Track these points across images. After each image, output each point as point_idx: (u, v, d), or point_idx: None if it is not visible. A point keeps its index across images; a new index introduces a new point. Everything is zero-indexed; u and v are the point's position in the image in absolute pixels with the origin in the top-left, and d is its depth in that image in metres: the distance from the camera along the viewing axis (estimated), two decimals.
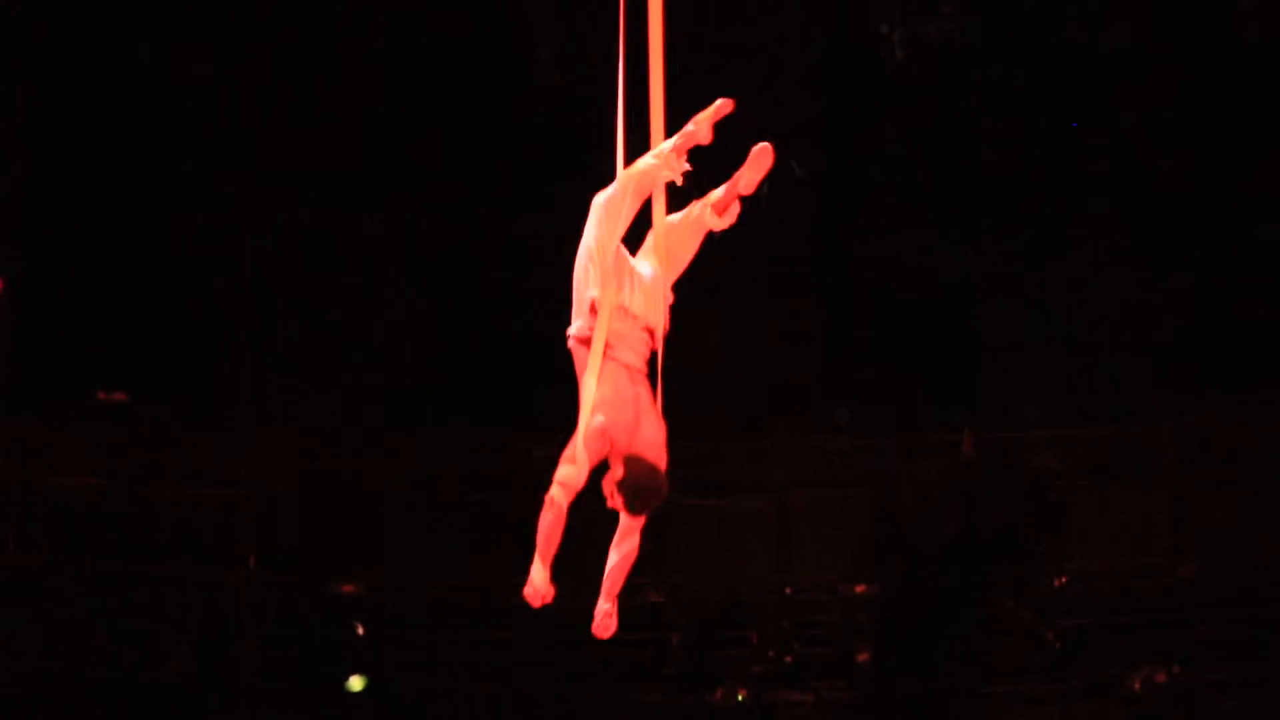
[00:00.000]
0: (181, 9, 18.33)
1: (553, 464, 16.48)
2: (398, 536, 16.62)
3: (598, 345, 8.12)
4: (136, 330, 17.80)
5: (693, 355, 8.44)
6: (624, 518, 8.20)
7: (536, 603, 8.10)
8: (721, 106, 8.40)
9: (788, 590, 16.55)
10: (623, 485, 8.03)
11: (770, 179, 8.54)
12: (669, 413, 8.33)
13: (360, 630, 16.20)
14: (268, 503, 16.49)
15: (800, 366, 18.06)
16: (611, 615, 8.28)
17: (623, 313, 8.18)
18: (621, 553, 8.25)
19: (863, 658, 16.19)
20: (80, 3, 18.08)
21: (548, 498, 8.02)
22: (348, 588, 16.30)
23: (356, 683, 16.06)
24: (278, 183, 17.81)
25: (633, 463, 8.02)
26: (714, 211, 8.46)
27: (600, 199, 8.28)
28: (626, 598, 15.98)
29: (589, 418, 8.05)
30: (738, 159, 8.57)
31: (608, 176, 8.41)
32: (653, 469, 8.05)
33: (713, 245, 17.87)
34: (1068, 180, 18.16)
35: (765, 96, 17.95)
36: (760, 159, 8.46)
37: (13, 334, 17.46)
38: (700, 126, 8.38)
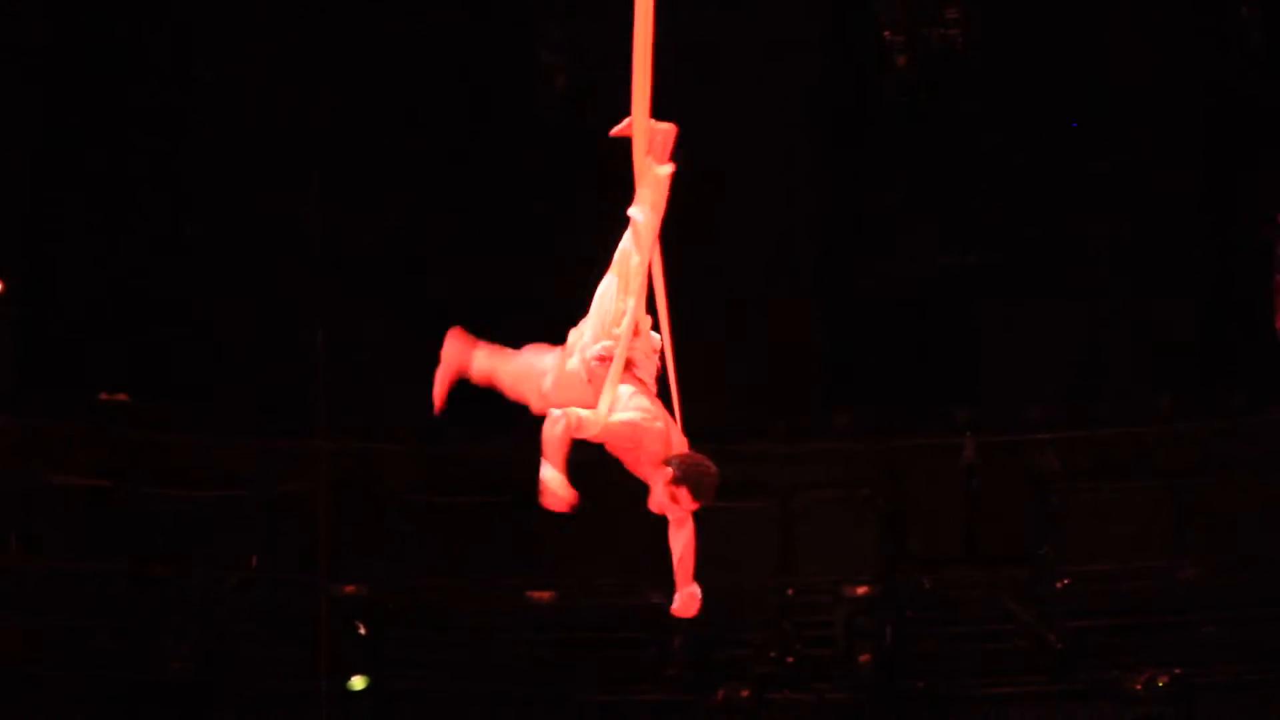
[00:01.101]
0: (183, 10, 18.35)
1: None
2: (400, 537, 16.62)
3: (624, 344, 8.15)
4: (139, 330, 17.81)
5: (695, 358, 8.43)
6: (671, 515, 8.20)
7: (560, 505, 7.87)
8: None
9: (790, 591, 16.55)
10: (685, 480, 8.02)
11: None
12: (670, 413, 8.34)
13: (362, 630, 16.20)
14: (270, 503, 16.50)
15: (802, 369, 18.05)
16: (696, 595, 8.18)
17: (641, 332, 8.29)
18: (682, 540, 8.23)
19: (864, 659, 16.19)
20: (83, 5, 18.08)
21: (559, 414, 7.89)
22: (349, 588, 16.30)
23: (358, 683, 16.07)
24: (279, 183, 17.82)
25: (680, 461, 8.05)
26: (655, 163, 8.50)
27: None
28: (627, 599, 16.03)
29: (619, 410, 8.02)
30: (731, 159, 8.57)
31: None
32: (698, 458, 8.08)
33: (716, 247, 17.85)
34: (1070, 183, 18.17)
35: (765, 101, 18.01)
36: (667, 135, 8.53)
37: (15, 334, 17.47)
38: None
